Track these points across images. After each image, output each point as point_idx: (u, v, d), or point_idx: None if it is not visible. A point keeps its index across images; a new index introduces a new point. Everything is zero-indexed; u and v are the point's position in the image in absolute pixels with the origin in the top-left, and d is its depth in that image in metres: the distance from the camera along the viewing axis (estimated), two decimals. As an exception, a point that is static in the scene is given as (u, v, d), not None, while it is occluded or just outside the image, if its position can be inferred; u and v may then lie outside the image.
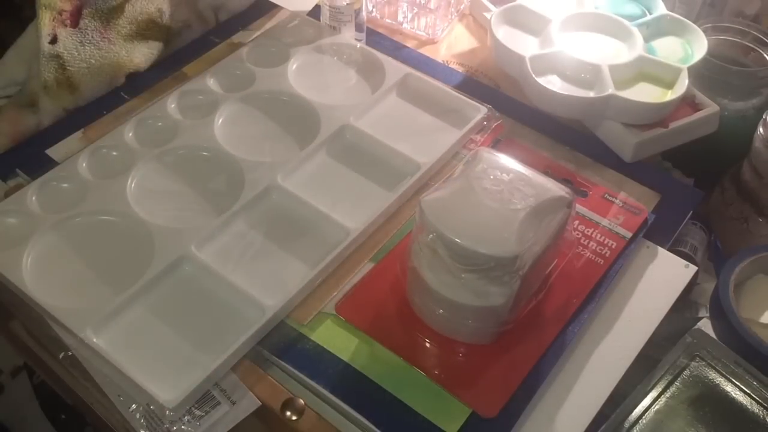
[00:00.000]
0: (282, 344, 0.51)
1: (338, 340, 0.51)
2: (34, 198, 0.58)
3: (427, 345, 0.51)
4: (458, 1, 0.79)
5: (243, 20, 0.77)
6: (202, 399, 0.48)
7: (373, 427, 0.47)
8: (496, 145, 0.64)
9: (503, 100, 0.69)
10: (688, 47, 0.67)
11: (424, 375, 0.49)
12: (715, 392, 0.50)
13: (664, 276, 0.56)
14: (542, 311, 0.52)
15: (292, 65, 0.70)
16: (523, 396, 0.49)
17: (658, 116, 0.63)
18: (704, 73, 0.66)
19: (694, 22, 0.68)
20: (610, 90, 0.62)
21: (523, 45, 0.68)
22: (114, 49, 0.68)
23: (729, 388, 0.50)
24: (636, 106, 0.62)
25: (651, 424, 0.48)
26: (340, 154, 0.63)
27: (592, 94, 0.63)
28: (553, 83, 0.65)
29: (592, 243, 0.57)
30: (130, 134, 0.63)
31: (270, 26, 0.76)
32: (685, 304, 0.61)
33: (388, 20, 0.79)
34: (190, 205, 0.59)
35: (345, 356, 0.50)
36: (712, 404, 0.49)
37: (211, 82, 0.68)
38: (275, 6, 0.78)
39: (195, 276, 0.54)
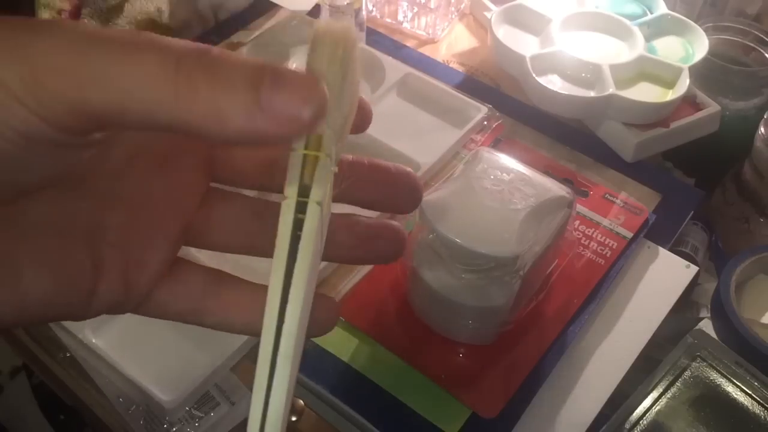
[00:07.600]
0: (282, 345, 0.51)
1: (338, 341, 0.51)
2: (33, 198, 0.58)
3: (427, 345, 0.51)
4: (458, 0, 0.79)
5: (243, 20, 0.77)
6: (202, 400, 0.48)
7: (372, 428, 0.47)
8: (497, 144, 0.64)
9: (504, 99, 0.68)
10: (689, 47, 0.67)
11: (424, 376, 0.49)
12: (716, 393, 0.49)
13: (665, 276, 0.56)
14: (543, 312, 0.52)
15: (292, 65, 0.70)
16: (523, 396, 0.48)
17: (658, 116, 0.63)
18: (705, 73, 0.66)
19: (695, 22, 0.68)
20: (611, 89, 0.62)
21: (524, 44, 0.68)
22: (113, 48, 0.67)
23: (730, 388, 0.50)
24: (637, 105, 0.62)
25: (652, 424, 0.48)
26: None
27: (592, 94, 0.63)
28: (554, 83, 0.64)
29: (592, 243, 0.56)
30: (130, 134, 0.63)
31: (270, 26, 0.76)
32: (686, 304, 0.60)
33: (388, 20, 0.79)
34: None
35: (345, 357, 0.50)
36: (713, 405, 0.49)
37: (211, 82, 0.68)
38: (275, 6, 0.77)
39: (194, 276, 0.54)
